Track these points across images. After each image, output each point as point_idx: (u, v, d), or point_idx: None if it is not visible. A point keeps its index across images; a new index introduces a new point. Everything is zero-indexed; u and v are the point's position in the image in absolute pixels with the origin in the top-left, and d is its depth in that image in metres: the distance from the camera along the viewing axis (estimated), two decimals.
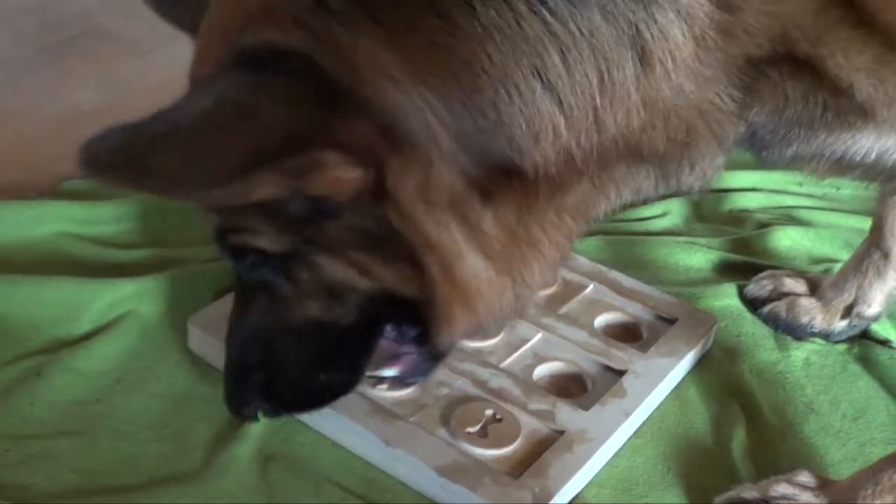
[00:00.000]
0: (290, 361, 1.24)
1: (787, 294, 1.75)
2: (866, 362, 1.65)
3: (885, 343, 1.69)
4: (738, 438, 1.46)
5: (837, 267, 1.79)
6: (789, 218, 2.04)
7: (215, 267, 1.63)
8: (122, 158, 0.87)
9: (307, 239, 1.10)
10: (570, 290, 1.67)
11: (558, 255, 1.15)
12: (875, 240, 1.68)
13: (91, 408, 1.39)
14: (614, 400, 1.43)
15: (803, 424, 1.51)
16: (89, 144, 0.86)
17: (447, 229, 1.04)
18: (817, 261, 1.90)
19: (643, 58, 0.99)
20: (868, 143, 1.14)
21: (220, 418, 1.38)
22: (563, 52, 0.96)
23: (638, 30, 0.97)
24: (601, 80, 0.98)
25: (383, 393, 1.38)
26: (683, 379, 1.56)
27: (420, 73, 0.96)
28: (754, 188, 2.12)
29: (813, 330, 1.70)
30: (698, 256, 1.85)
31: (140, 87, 2.35)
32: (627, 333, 1.61)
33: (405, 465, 1.30)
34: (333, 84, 0.94)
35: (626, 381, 1.47)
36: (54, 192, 1.86)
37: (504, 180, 1.03)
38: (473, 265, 1.07)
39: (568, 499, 1.31)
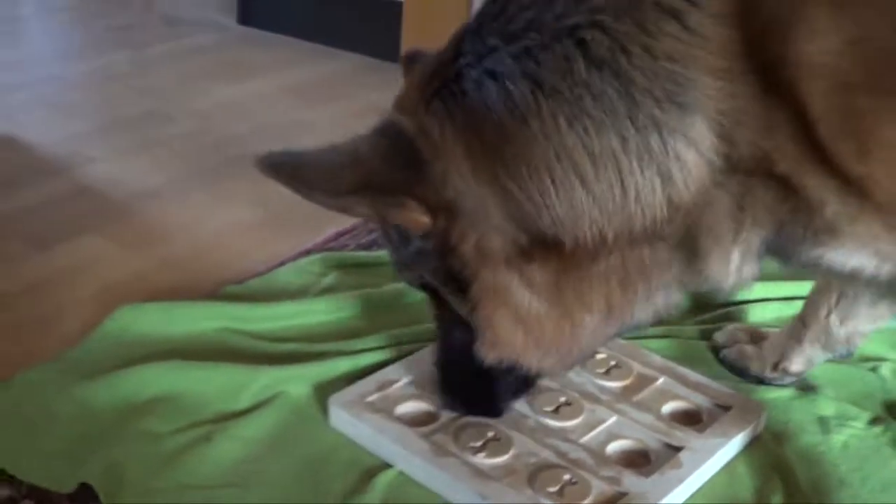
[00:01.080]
0: (467, 368, 1.63)
1: (737, 342, 2.08)
2: None
3: None
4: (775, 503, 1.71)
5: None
6: None
7: (355, 360, 1.96)
8: (283, 168, 1.40)
9: (427, 280, 1.56)
10: (644, 381, 1.94)
11: (606, 314, 1.48)
12: (803, 312, 1.97)
13: (248, 466, 1.67)
14: (671, 470, 1.69)
15: (834, 496, 1.73)
16: (266, 156, 1.39)
17: (500, 275, 1.44)
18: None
19: (661, 171, 1.31)
20: (840, 257, 1.42)
21: (352, 477, 1.67)
22: (592, 161, 1.30)
23: (653, 151, 1.30)
24: (622, 183, 1.32)
25: (483, 460, 1.68)
26: (734, 457, 1.81)
27: (479, 169, 1.35)
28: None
29: (751, 373, 2.02)
30: None
31: (288, 206, 2.58)
32: (690, 419, 1.86)
33: None
34: (420, 157, 1.38)
35: (683, 455, 1.73)
36: (217, 294, 2.15)
37: (549, 247, 1.39)
38: (523, 298, 1.45)
39: None
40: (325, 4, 4.07)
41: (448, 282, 1.51)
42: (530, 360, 1.55)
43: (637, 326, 1.59)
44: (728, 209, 1.37)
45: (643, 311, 1.51)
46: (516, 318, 1.47)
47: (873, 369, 2.07)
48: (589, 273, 1.43)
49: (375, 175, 1.39)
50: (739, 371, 2.05)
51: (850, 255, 1.40)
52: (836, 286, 1.91)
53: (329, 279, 2.27)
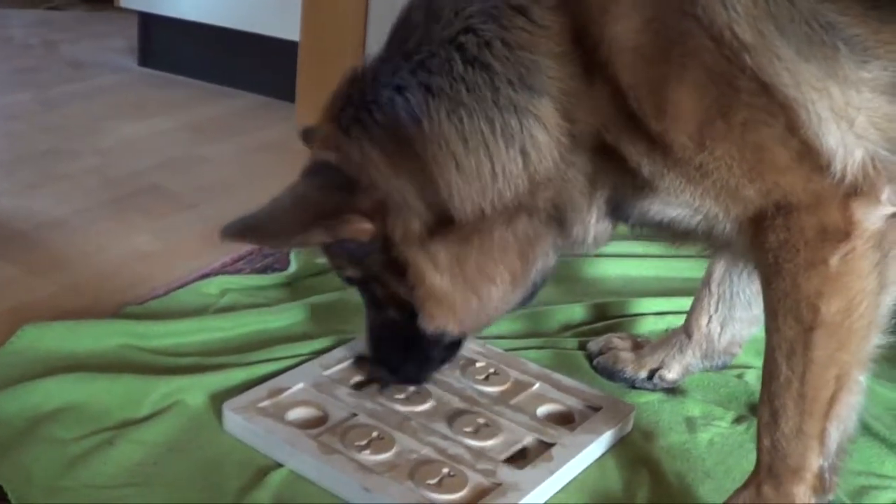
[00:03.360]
0: (395, 345, 1.92)
1: (612, 349, 2.20)
2: None
3: None
4: (643, 494, 1.83)
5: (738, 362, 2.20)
6: None
7: (250, 371, 2.07)
8: (246, 229, 1.66)
9: (366, 270, 1.79)
10: (520, 386, 2.07)
11: (511, 282, 1.74)
12: (685, 323, 2.12)
13: (148, 468, 1.76)
14: (543, 463, 1.82)
15: (699, 487, 1.87)
16: (227, 227, 1.64)
17: (419, 256, 1.69)
18: None
19: (522, 150, 1.56)
20: (657, 209, 1.63)
21: (246, 476, 1.78)
22: (465, 144, 1.58)
23: (514, 131, 1.56)
24: (491, 162, 1.58)
25: (367, 457, 1.80)
26: (606, 454, 1.94)
27: (396, 166, 1.63)
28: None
29: (623, 376, 2.15)
30: None
31: (186, 235, 2.75)
32: (563, 419, 1.99)
33: None
34: (350, 180, 1.65)
35: (555, 450, 1.86)
36: (117, 314, 2.25)
37: (447, 225, 1.66)
38: (436, 278, 1.71)
39: None
40: (222, 46, 4.16)
41: (391, 269, 1.74)
42: (452, 328, 1.80)
43: (536, 288, 1.83)
44: (582, 185, 1.63)
45: (536, 275, 1.77)
46: (438, 295, 1.73)
47: (739, 376, 2.21)
48: (482, 247, 1.68)
49: (317, 206, 1.66)
50: (612, 375, 2.18)
51: (666, 207, 1.62)
52: (715, 291, 2.08)
53: (225, 300, 2.38)
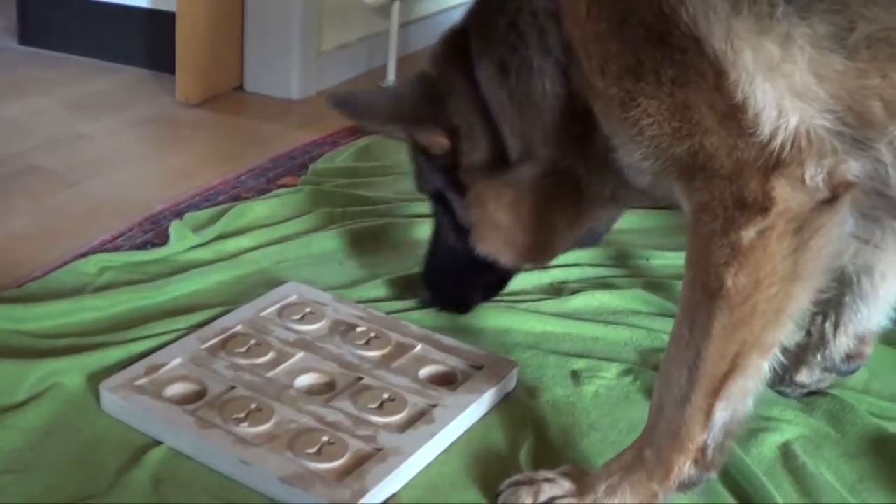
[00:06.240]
0: (448, 270, 2.18)
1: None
2: (647, 391, 1.98)
3: None
4: (527, 450, 1.84)
5: (631, 319, 2.25)
6: (602, 285, 2.45)
7: (128, 348, 2.05)
8: (346, 103, 2.04)
9: (436, 182, 2.04)
10: (402, 349, 2.08)
11: (566, 225, 1.97)
12: None
13: (26, 454, 1.75)
14: (424, 426, 1.83)
15: (584, 439, 1.89)
16: (332, 95, 2.00)
17: (478, 183, 1.94)
18: (614, 312, 2.33)
19: (551, 105, 1.78)
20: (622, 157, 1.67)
21: (124, 455, 1.77)
22: (513, 103, 1.81)
23: (546, 91, 1.77)
24: (537, 117, 1.79)
25: (246, 429, 1.79)
26: (490, 411, 1.95)
27: (473, 105, 1.87)
28: (577, 263, 2.53)
29: None
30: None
31: (66, 214, 2.73)
32: (445, 380, 2.01)
33: (259, 478, 1.70)
34: (440, 96, 1.92)
35: (436, 411, 1.87)
36: None
37: (506, 164, 1.89)
38: (491, 207, 1.94)
39: (382, 498, 1.71)
40: (101, 21, 4.11)
41: (453, 189, 1.99)
42: (506, 259, 2.03)
43: (599, 233, 2.12)
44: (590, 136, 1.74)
45: (597, 221, 2.02)
46: (495, 224, 1.96)
47: (628, 326, 2.27)
48: (536, 193, 1.90)
49: (409, 109, 1.96)
50: None
51: (626, 154, 1.64)
52: None
53: (104, 278, 2.36)
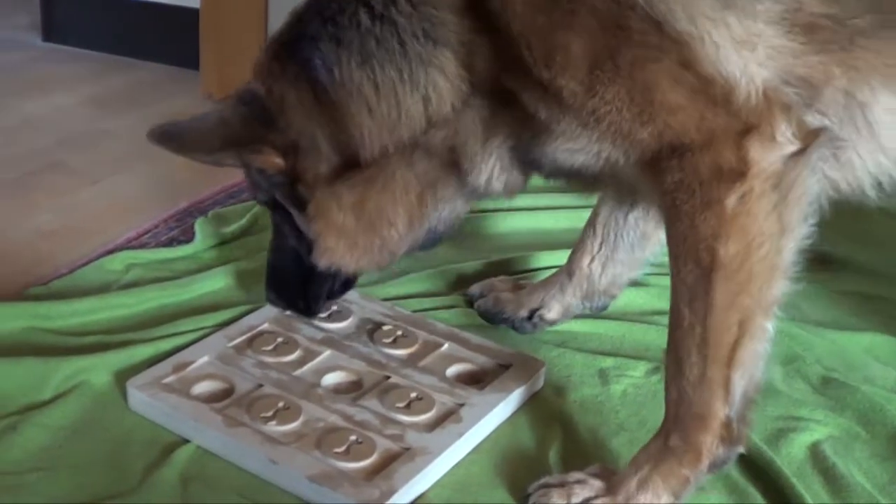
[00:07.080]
0: (290, 275, 2.03)
1: (493, 291, 2.25)
2: None
3: None
4: (556, 450, 1.83)
5: (658, 317, 2.20)
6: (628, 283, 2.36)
7: (155, 346, 2.04)
8: (168, 136, 1.81)
9: (273, 197, 1.90)
10: (429, 347, 2.06)
11: (408, 224, 1.84)
12: (567, 263, 2.15)
13: (54, 451, 1.75)
14: (452, 425, 1.82)
15: (613, 439, 1.87)
16: (153, 130, 1.79)
17: (322, 195, 1.80)
18: (641, 311, 2.31)
19: (424, 96, 1.65)
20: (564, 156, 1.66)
21: (152, 453, 1.76)
22: (376, 91, 1.69)
23: (419, 80, 1.66)
24: (398, 107, 1.67)
25: (273, 428, 1.78)
26: (518, 410, 1.94)
27: (311, 115, 1.75)
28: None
29: (503, 317, 2.18)
30: None
31: (90, 211, 2.73)
32: (473, 379, 1.99)
33: (287, 477, 1.69)
34: (269, 113, 1.77)
35: (463, 410, 1.86)
36: (21, 295, 2.22)
37: (354, 167, 1.77)
38: (336, 215, 1.81)
39: (410, 497, 1.70)
40: (125, 18, 4.12)
41: (293, 202, 1.86)
42: (348, 265, 1.90)
43: (438, 234, 1.93)
44: (478, 130, 1.69)
45: (437, 221, 1.88)
46: (337, 232, 1.82)
47: (652, 325, 2.22)
48: (384, 187, 1.78)
49: (236, 132, 1.80)
50: (493, 317, 2.21)
51: (572, 154, 1.65)
52: (599, 232, 2.11)
53: (130, 275, 2.35)
